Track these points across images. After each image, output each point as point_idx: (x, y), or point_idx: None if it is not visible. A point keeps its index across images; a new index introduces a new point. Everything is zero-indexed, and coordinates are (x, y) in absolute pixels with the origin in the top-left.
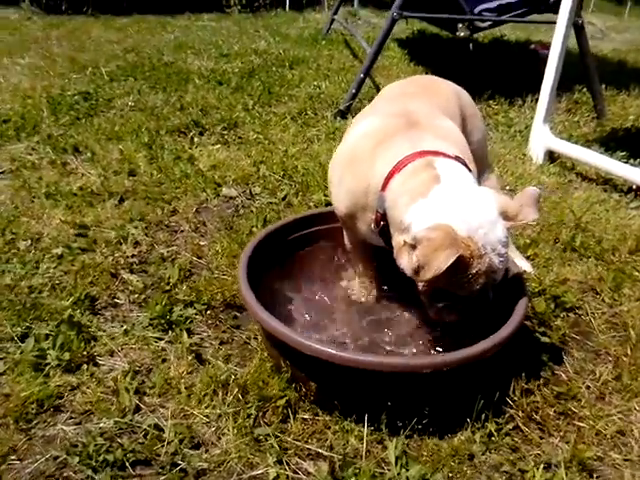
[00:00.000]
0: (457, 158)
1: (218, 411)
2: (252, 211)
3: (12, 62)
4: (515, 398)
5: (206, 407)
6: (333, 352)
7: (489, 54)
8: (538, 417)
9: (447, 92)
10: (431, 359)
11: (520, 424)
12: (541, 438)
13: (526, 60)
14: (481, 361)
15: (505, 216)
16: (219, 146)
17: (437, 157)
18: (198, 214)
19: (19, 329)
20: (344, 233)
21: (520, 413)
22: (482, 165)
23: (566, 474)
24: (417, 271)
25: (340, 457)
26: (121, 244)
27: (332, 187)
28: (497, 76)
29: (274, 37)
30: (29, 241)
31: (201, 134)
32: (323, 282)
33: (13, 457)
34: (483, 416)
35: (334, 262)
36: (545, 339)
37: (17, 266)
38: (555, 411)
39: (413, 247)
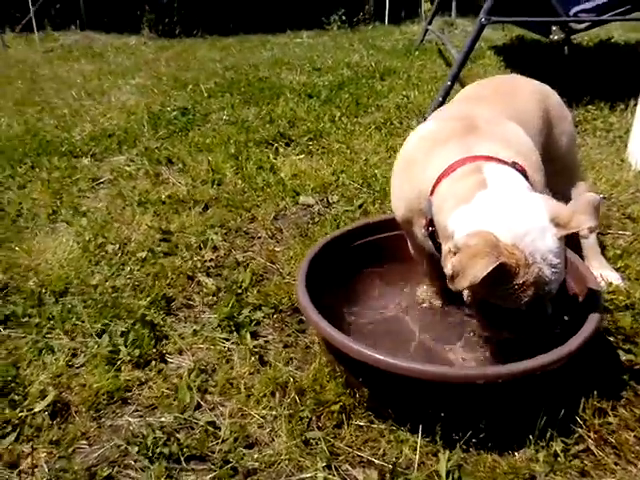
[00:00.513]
0: (513, 164)
1: (274, 413)
2: (327, 219)
3: (124, 82)
4: (586, 417)
5: (263, 408)
6: (379, 358)
7: (592, 57)
8: (614, 441)
9: (527, 93)
10: (484, 371)
11: (592, 446)
12: (616, 464)
13: (635, 62)
14: (544, 375)
15: (557, 223)
16: (302, 156)
17: (488, 162)
18: (275, 221)
19: (98, 325)
20: (407, 239)
21: (592, 434)
22: (570, 172)
23: None
24: (453, 278)
25: (391, 467)
26: (201, 249)
27: (391, 191)
28: (599, 80)
29: (368, 50)
30: (117, 245)
31: (287, 145)
32: (388, 286)
33: (83, 442)
34: (548, 434)
35: (398, 269)
36: (629, 357)
37: (104, 268)
38: (636, 437)
39: (455, 254)
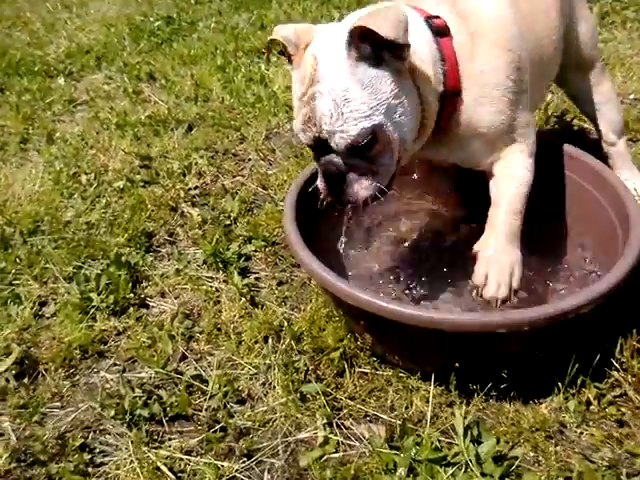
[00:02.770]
0: (433, 17)
1: (267, 362)
2: None
3: None
4: (623, 360)
5: (255, 356)
6: (384, 305)
7: None
8: None
9: None
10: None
11: (629, 392)
12: None
13: None
14: (571, 320)
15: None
16: None
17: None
18: (268, 141)
19: (70, 268)
20: None
21: (630, 378)
22: (590, 64)
23: None
24: None
25: (400, 422)
26: (184, 175)
27: None
28: None
29: None
30: (93, 174)
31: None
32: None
33: (55, 405)
34: (579, 381)
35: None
36: None
37: (78, 201)
38: None
39: None
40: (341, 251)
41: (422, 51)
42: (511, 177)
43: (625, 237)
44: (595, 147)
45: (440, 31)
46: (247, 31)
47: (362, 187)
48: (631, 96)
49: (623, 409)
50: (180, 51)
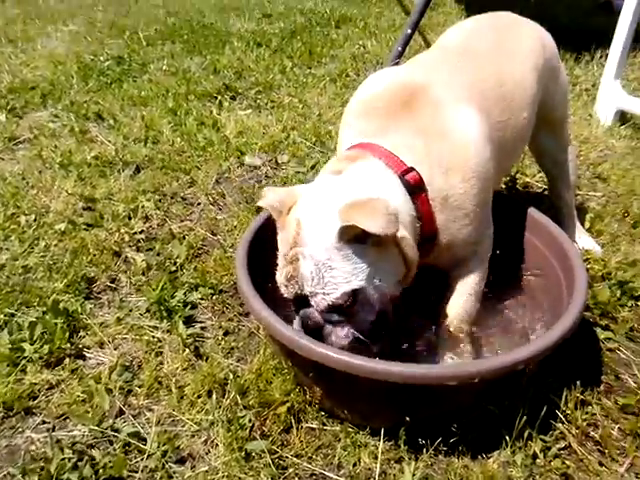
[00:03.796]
0: (407, 171)
1: (211, 417)
2: (276, 181)
3: (54, 29)
4: (568, 411)
5: (198, 412)
6: (337, 357)
7: (555, 8)
8: (597, 436)
9: (527, 46)
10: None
11: (573, 444)
12: (601, 464)
13: (598, 13)
14: (523, 370)
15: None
16: (249, 111)
17: (373, 158)
18: (218, 185)
19: (1, 316)
20: None
21: (574, 430)
22: (559, 126)
23: None
24: None
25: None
26: (130, 219)
27: None
28: (563, 31)
29: None
30: (33, 216)
31: (233, 98)
32: None
33: None
34: (526, 433)
35: None
36: (607, 334)
37: (15, 243)
38: (620, 429)
39: None
40: None
41: (401, 217)
42: (467, 289)
43: (570, 290)
44: (539, 201)
45: (415, 188)
46: (199, 75)
47: (340, 337)
48: None
49: (567, 462)
50: (130, 92)
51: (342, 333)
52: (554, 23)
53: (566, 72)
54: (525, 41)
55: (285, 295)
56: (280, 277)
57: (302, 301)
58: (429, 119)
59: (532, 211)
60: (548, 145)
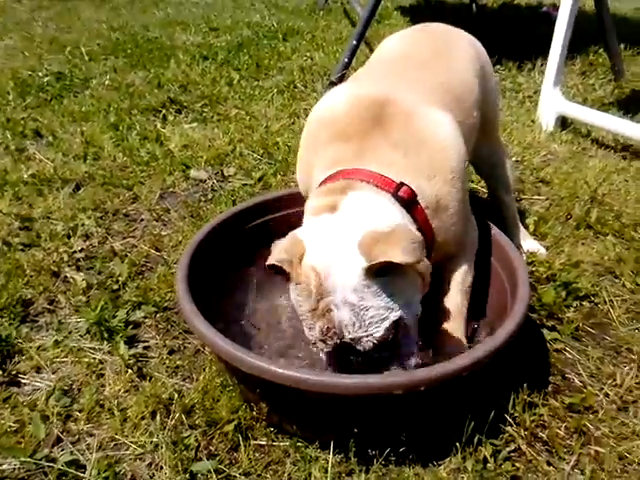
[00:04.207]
0: (398, 187)
1: (155, 439)
2: (222, 195)
3: None
4: (516, 414)
5: (142, 434)
6: (280, 372)
7: (497, 19)
8: (545, 436)
9: (460, 54)
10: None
11: (522, 446)
12: (549, 464)
13: (537, 23)
14: (470, 375)
15: (368, 257)
16: (195, 124)
17: (360, 187)
18: (162, 200)
19: None
20: None
21: (522, 432)
22: (495, 136)
23: None
24: None
25: None
26: (69, 237)
27: (297, 161)
28: (505, 41)
29: (270, 9)
30: None
31: (178, 112)
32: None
33: None
34: (476, 439)
35: None
36: (554, 335)
37: None
38: (566, 428)
39: None
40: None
41: None
42: (460, 287)
43: (513, 295)
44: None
45: (409, 202)
46: (143, 89)
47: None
48: (513, 159)
49: (517, 464)
50: (71, 108)
51: (393, 367)
52: (496, 33)
53: (510, 80)
54: (462, 47)
55: (324, 349)
56: (315, 333)
57: (345, 350)
58: (403, 131)
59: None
60: (484, 150)
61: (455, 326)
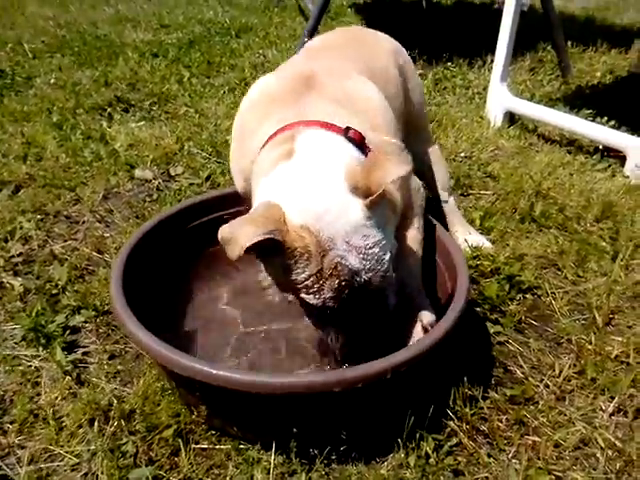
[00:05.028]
0: (346, 129)
1: (92, 448)
2: (168, 194)
3: None
4: (457, 408)
5: (78, 443)
6: (210, 372)
7: (450, 16)
8: (486, 429)
9: (382, 45)
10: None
11: (464, 439)
12: (489, 456)
13: (489, 21)
14: (407, 371)
15: (360, 192)
16: (142, 123)
17: (306, 128)
18: (105, 201)
19: None
20: None
21: (464, 426)
22: (424, 132)
23: None
24: (224, 246)
25: None
26: (7, 241)
27: (230, 161)
28: (456, 38)
29: (223, 6)
30: None
31: (125, 111)
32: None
33: None
34: (418, 434)
35: None
36: (497, 328)
37: None
38: (507, 420)
39: None
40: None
41: None
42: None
43: (453, 287)
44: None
45: (361, 144)
46: (90, 87)
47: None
48: (462, 154)
49: (459, 458)
50: (11, 107)
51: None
52: (448, 30)
53: (460, 77)
54: (382, 42)
55: (334, 306)
56: (325, 294)
57: (349, 302)
58: (335, 90)
59: None
60: (416, 149)
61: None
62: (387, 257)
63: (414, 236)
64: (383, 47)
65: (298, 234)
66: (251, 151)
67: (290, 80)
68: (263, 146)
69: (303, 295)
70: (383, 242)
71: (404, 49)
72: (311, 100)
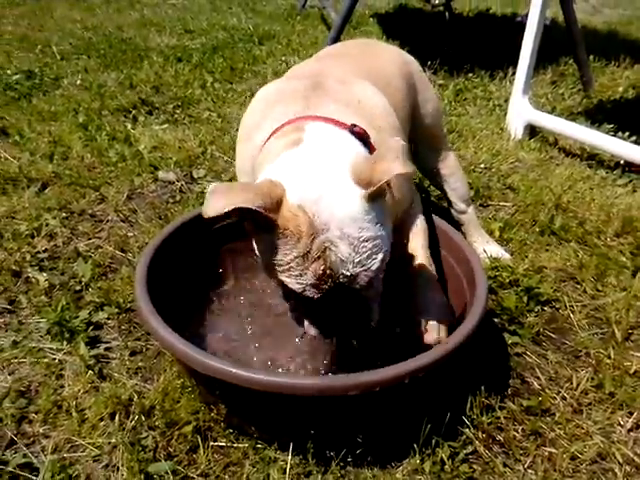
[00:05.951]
0: (352, 126)
1: (113, 440)
2: (190, 197)
3: None
4: (474, 416)
5: (99, 435)
6: (233, 372)
7: (472, 28)
8: (502, 438)
9: (389, 56)
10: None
11: (479, 448)
12: (505, 465)
13: (512, 33)
14: (425, 377)
15: (362, 182)
16: (166, 126)
17: (314, 121)
18: (129, 201)
19: None
20: None
21: (480, 434)
22: (438, 143)
23: None
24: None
25: None
26: (33, 237)
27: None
28: (479, 49)
29: (247, 13)
30: None
31: (149, 113)
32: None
33: None
34: (433, 441)
35: None
36: (515, 339)
37: None
38: (523, 430)
39: None
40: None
41: None
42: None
43: (472, 299)
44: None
45: (365, 138)
46: (115, 89)
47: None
48: (482, 165)
49: (474, 466)
50: (40, 107)
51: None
52: (470, 41)
53: (481, 88)
54: (390, 54)
55: (313, 296)
56: (307, 279)
57: (333, 295)
58: (341, 92)
59: (437, 220)
60: (432, 162)
61: (423, 261)
62: (379, 257)
63: (420, 224)
64: (390, 58)
65: (293, 213)
66: (256, 146)
67: (296, 81)
68: (268, 138)
69: (284, 278)
70: (378, 240)
71: (417, 62)
72: (317, 99)
